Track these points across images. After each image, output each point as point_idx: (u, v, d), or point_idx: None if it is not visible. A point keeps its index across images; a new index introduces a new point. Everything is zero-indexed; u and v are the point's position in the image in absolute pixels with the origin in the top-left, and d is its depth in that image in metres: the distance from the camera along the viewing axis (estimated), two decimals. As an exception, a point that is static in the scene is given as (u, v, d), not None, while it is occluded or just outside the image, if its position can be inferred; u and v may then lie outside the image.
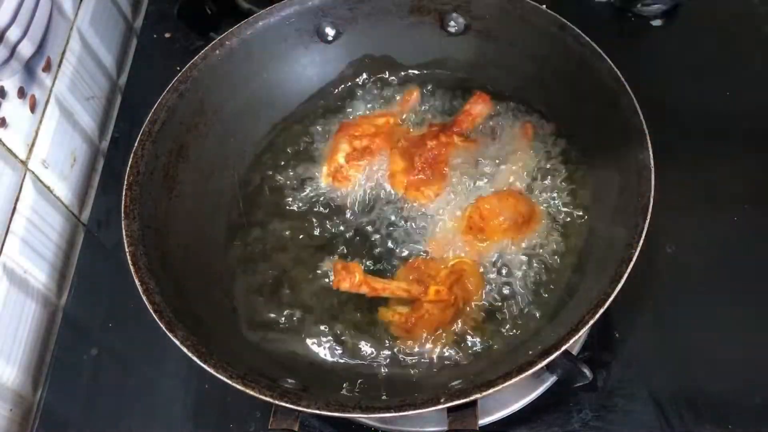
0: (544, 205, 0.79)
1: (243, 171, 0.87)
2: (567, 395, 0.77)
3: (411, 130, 0.88)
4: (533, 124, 0.85)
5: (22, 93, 0.91)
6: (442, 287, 0.71)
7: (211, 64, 0.84)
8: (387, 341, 0.72)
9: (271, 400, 0.59)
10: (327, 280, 0.76)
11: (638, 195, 0.66)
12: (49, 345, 0.91)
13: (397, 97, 0.91)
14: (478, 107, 0.86)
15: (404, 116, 0.89)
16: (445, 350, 0.71)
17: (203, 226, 0.81)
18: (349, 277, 0.69)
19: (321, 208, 0.83)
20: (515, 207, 0.76)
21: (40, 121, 0.95)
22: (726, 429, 0.74)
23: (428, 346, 0.71)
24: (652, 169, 0.67)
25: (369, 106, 0.91)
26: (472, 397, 0.57)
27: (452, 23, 0.89)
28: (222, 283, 0.78)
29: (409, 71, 0.93)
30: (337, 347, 0.73)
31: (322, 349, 0.73)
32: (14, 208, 0.88)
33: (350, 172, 0.84)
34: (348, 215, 0.82)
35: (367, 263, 0.78)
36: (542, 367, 0.58)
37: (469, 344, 0.71)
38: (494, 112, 0.87)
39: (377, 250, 0.79)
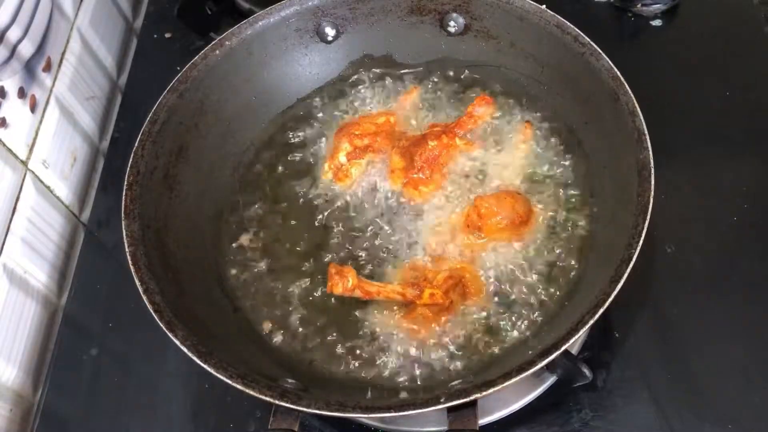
0: (543, 205, 0.79)
1: (243, 171, 0.87)
2: (567, 395, 0.77)
3: (410, 129, 0.88)
4: (533, 123, 0.85)
5: (22, 93, 0.91)
6: (437, 290, 0.71)
7: (211, 64, 0.84)
8: (385, 341, 0.72)
9: (271, 400, 0.59)
10: (324, 280, 0.76)
11: (638, 195, 0.66)
12: (49, 345, 0.91)
13: (397, 97, 0.91)
14: (481, 110, 0.86)
15: (404, 115, 0.89)
16: (444, 351, 0.71)
17: (203, 226, 0.81)
18: (342, 282, 0.69)
19: (321, 208, 0.83)
20: (513, 207, 0.76)
21: (41, 121, 0.95)
22: (726, 429, 0.74)
23: (427, 346, 0.71)
24: (652, 169, 0.67)
25: (369, 105, 0.91)
26: (472, 397, 0.57)
27: (452, 23, 0.89)
28: (222, 283, 0.78)
29: (409, 71, 0.93)
30: (336, 347, 0.73)
31: (321, 348, 0.73)
32: (14, 208, 0.88)
33: (351, 170, 0.84)
34: (348, 214, 0.82)
35: (366, 262, 0.78)
36: (542, 367, 0.58)
37: (469, 345, 0.71)
38: (494, 113, 0.87)
39: (376, 249, 0.79)
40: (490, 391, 0.57)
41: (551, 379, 0.76)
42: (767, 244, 0.85)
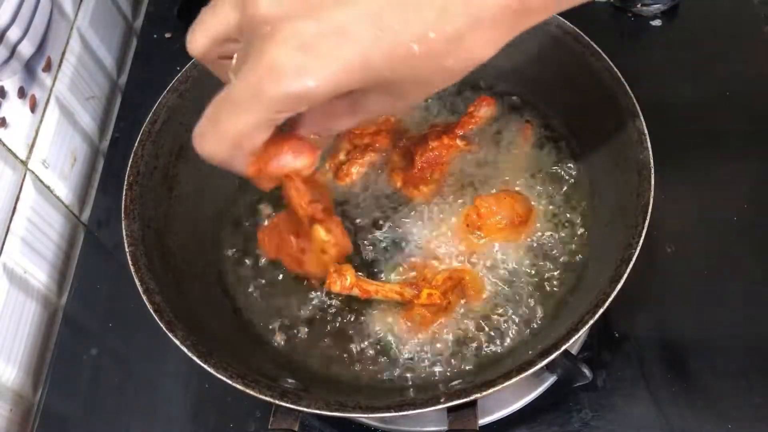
0: (543, 205, 0.79)
1: (243, 171, 0.87)
2: (567, 395, 0.77)
3: (411, 129, 0.88)
4: (532, 124, 0.85)
5: (22, 93, 0.91)
6: (435, 291, 0.71)
7: (211, 64, 0.84)
8: (384, 341, 0.72)
9: (271, 400, 0.59)
10: (323, 279, 0.76)
11: (638, 195, 0.66)
12: (49, 345, 0.91)
13: (397, 97, 0.91)
14: (483, 110, 0.86)
15: (404, 115, 0.89)
16: (443, 350, 0.71)
17: (203, 225, 0.81)
18: (341, 280, 0.69)
19: (321, 208, 0.83)
20: (512, 207, 0.76)
21: (40, 121, 0.95)
22: (726, 429, 0.74)
23: (426, 346, 0.72)
24: (652, 169, 0.67)
25: (369, 106, 0.91)
26: (472, 397, 0.57)
27: (452, 23, 0.88)
28: (222, 283, 0.78)
29: (409, 71, 0.93)
30: (335, 347, 0.73)
31: (321, 348, 0.73)
32: (14, 208, 0.88)
33: (351, 169, 0.84)
34: (348, 213, 0.82)
35: (365, 261, 0.78)
36: (542, 367, 0.58)
37: (469, 345, 0.71)
38: (495, 113, 0.87)
39: (375, 248, 0.79)
40: (490, 391, 0.57)
41: (551, 379, 0.76)
42: (767, 244, 0.85)
